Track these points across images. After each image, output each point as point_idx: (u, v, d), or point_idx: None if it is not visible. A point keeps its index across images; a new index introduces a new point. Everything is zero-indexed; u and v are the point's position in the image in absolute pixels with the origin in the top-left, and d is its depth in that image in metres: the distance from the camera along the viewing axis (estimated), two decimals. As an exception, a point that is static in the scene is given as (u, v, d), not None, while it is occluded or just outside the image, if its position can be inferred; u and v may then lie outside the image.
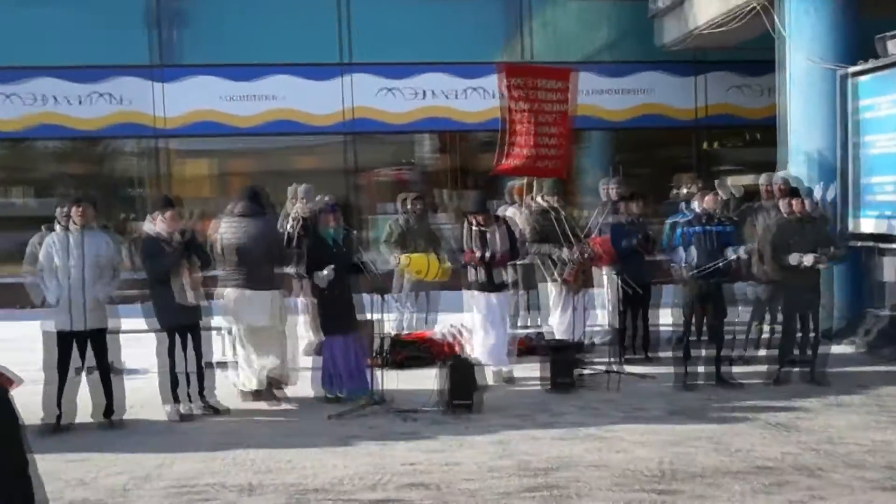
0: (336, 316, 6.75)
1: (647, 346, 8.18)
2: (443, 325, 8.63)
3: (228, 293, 6.78)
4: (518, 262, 9.16)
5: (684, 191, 9.04)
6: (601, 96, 13.73)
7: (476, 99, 13.31)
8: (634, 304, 8.00)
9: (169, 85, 13.11)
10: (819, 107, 9.02)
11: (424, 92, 13.51)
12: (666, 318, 8.37)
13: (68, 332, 6.21)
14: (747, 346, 8.00)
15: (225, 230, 6.83)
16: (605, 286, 8.36)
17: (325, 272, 6.56)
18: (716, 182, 9.00)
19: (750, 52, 12.20)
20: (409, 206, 9.18)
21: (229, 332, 7.64)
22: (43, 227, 6.45)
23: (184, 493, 4.80)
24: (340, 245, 6.85)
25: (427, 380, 6.89)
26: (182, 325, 6.45)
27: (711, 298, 6.98)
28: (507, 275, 7.44)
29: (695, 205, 7.18)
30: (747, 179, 11.01)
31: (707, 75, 13.97)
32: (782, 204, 7.32)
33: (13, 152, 13.82)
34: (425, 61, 13.47)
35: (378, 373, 6.67)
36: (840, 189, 8.68)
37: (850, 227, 8.60)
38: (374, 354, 7.20)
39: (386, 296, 6.92)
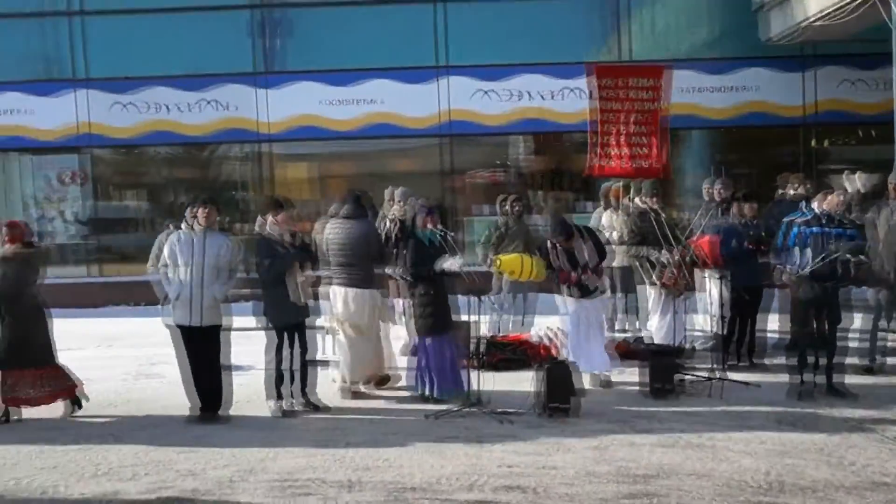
0: (432, 317, 6.80)
1: (752, 353, 7.88)
2: (539, 328, 8.59)
3: (330, 291, 7.01)
4: (614, 265, 9.10)
5: (791, 191, 8.61)
6: (703, 94, 13.35)
7: (573, 99, 13.14)
8: (743, 308, 7.72)
9: (272, 91, 13.53)
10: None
11: (520, 93, 13.47)
12: (772, 323, 8.06)
13: (186, 326, 6.51)
14: (874, 355, 7.58)
15: (329, 231, 7.14)
16: (708, 290, 8.09)
17: (455, 260, 6.61)
18: (844, 175, 8.48)
19: (863, 45, 11.62)
20: (507, 208, 9.20)
21: (327, 332, 7.95)
22: (170, 226, 6.74)
23: (286, 487, 4.94)
24: (437, 247, 6.89)
25: (523, 382, 6.87)
26: (291, 324, 6.65)
27: (825, 303, 6.64)
28: (602, 281, 7.28)
29: (814, 205, 6.85)
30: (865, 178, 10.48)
31: (816, 70, 13.33)
32: None
33: (128, 158, 14.56)
34: (521, 62, 13.42)
35: (474, 374, 6.69)
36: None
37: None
38: (471, 356, 7.23)
39: (482, 297, 6.93)
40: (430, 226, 6.91)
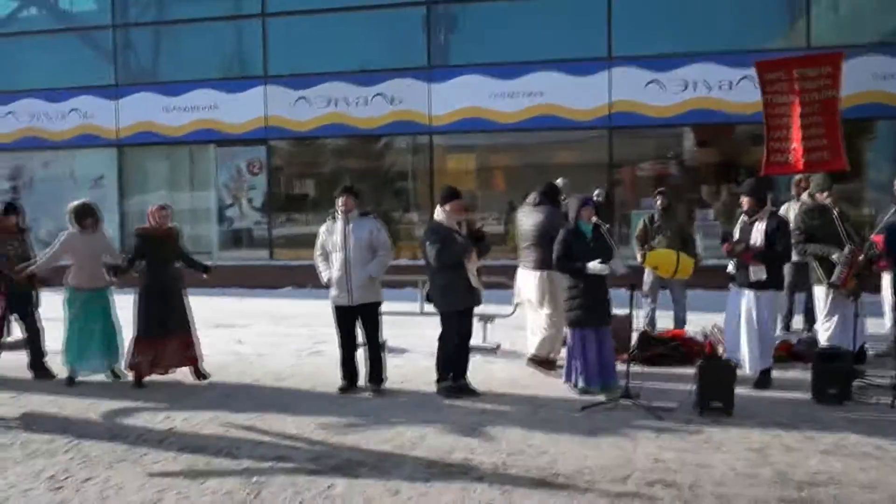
0: (581, 308, 6.78)
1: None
2: (701, 325, 8.36)
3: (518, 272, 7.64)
4: (791, 262, 8.66)
5: None
6: (891, 81, 12.35)
7: (746, 89, 12.56)
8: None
9: (438, 85, 13.93)
10: None
11: (687, 83, 13.04)
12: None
13: (344, 307, 6.96)
14: None
15: (518, 216, 7.73)
16: (886, 290, 7.52)
17: (598, 264, 6.62)
18: None
19: None
20: (657, 202, 9.11)
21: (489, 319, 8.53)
22: (329, 216, 7.19)
23: (439, 466, 5.14)
24: (593, 239, 6.85)
25: (680, 379, 6.71)
26: (465, 309, 6.92)
27: None
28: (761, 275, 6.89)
29: None
30: None
31: None
32: None
33: (305, 150, 15.48)
34: (692, 51, 12.99)
35: (630, 368, 6.62)
36: None
37: None
38: (630, 350, 7.17)
39: (635, 291, 6.85)
40: (587, 218, 6.88)
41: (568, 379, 6.94)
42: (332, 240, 7.00)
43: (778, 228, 6.81)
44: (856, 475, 4.87)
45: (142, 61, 15.73)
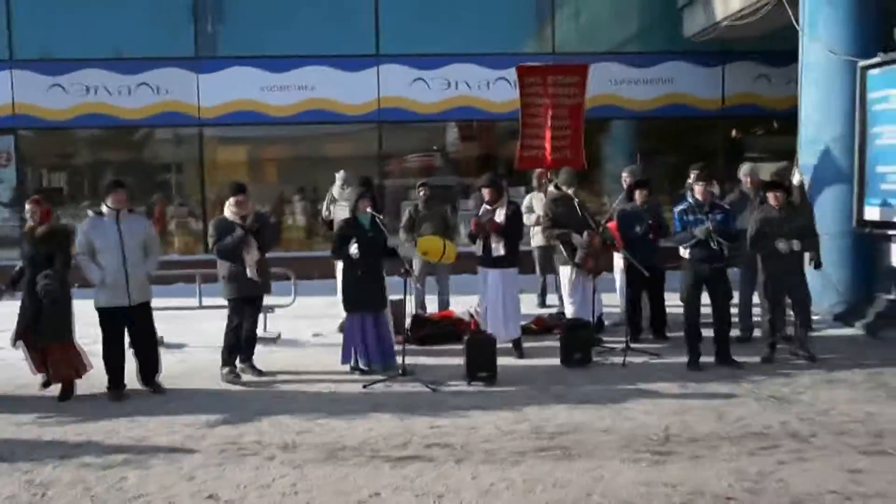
0: (357, 293, 7.28)
1: (659, 328, 8.56)
2: (464, 306, 9.15)
3: None
4: (536, 246, 9.83)
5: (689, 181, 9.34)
6: (626, 86, 14.09)
7: (503, 89, 13.68)
8: (645, 286, 8.37)
9: (207, 76, 13.69)
10: (833, 97, 9.31)
11: (450, 82, 13.94)
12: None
13: (119, 307, 6.73)
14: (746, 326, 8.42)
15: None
16: (618, 270, 8.77)
17: (353, 249, 7.11)
18: (742, 166, 9.13)
19: (774, 43, 12.45)
20: (420, 193, 9.77)
21: (270, 310, 8.57)
22: (90, 212, 7.01)
23: (232, 449, 5.37)
24: (369, 229, 7.35)
25: (451, 354, 7.41)
26: (247, 297, 7.24)
27: (712, 281, 7.28)
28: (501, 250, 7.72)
29: (689, 194, 7.59)
30: (768, 168, 11.35)
31: (732, 65, 14.21)
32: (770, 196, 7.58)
33: (60, 140, 14.44)
34: (454, 52, 13.87)
35: (406, 348, 7.21)
36: (857, 177, 8.93)
37: (863, 216, 8.88)
38: (405, 331, 7.79)
39: (408, 277, 7.48)
40: (363, 209, 7.36)
41: (346, 360, 7.38)
42: (104, 238, 6.63)
43: (514, 214, 7.77)
44: (594, 423, 5.78)
45: None
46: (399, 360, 7.20)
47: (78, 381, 6.85)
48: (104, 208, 6.74)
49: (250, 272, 7.08)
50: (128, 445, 5.50)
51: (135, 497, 4.61)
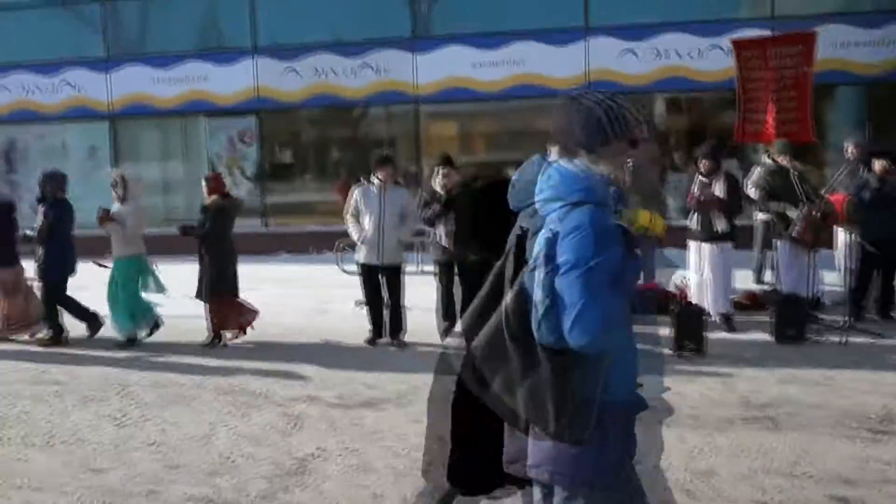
0: None
1: (888, 306, 8.11)
2: (670, 277, 9.15)
3: None
4: (763, 221, 9.52)
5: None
6: (853, 49, 13.15)
7: (716, 57, 13.27)
8: (876, 262, 7.94)
9: (423, 55, 14.49)
10: None
11: (664, 52, 13.73)
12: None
13: (372, 265, 7.66)
14: None
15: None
16: (841, 244, 8.38)
17: None
18: None
19: None
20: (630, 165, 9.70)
21: None
22: (362, 182, 7.88)
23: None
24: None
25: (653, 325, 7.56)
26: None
27: None
28: (723, 225, 7.69)
29: None
30: None
31: None
32: None
33: (294, 120, 15.94)
34: (665, 21, 13.63)
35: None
36: None
37: None
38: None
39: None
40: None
41: None
42: (368, 204, 7.62)
43: (732, 187, 7.67)
44: (806, 399, 5.73)
45: (131, 34, 16.05)
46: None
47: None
48: (374, 179, 7.64)
49: (446, 241, 7.62)
50: (363, 391, 6.22)
51: (371, 432, 5.28)
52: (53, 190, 8.15)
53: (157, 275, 8.14)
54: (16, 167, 16.34)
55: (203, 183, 8.08)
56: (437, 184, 7.70)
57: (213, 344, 7.89)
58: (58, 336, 8.19)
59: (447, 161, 7.78)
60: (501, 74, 14.23)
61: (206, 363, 7.20)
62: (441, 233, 7.59)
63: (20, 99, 16.13)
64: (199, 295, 7.88)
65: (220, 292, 7.81)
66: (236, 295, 7.98)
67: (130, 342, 8.00)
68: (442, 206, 7.51)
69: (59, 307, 8.22)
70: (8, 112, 16.23)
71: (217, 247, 7.85)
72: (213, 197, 7.95)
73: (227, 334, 7.99)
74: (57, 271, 8.09)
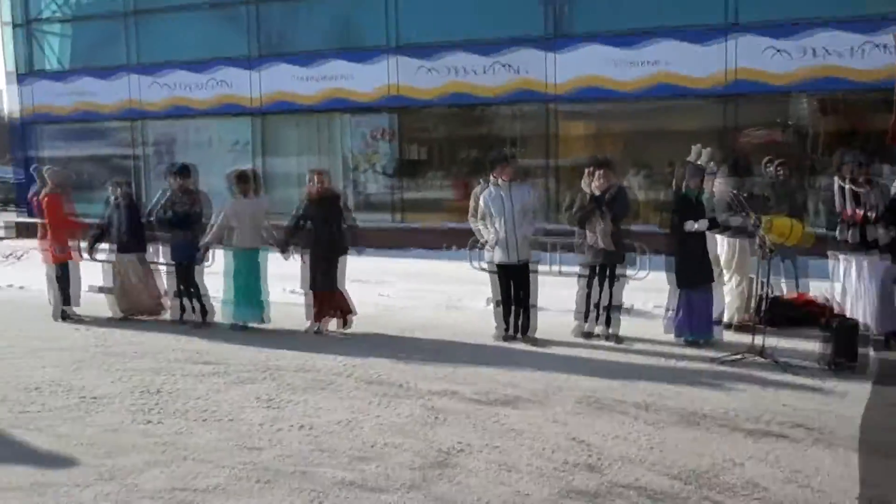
0: (683, 268, 7.45)
1: None
2: (821, 289, 8.67)
3: None
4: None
5: None
6: None
7: (871, 55, 12.50)
8: None
9: (558, 54, 14.36)
10: None
11: (806, 50, 13.02)
12: None
13: (507, 265, 7.70)
14: None
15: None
16: None
17: (697, 224, 7.27)
18: None
19: None
20: (771, 170, 9.13)
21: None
22: (481, 181, 7.93)
23: (590, 403, 5.85)
24: (696, 204, 7.47)
25: (806, 340, 7.20)
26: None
27: None
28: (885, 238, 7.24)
29: None
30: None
31: None
32: None
33: (429, 118, 16.20)
34: (815, 17, 12.95)
35: (758, 328, 7.12)
36: None
37: None
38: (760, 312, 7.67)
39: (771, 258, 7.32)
40: (692, 186, 7.44)
41: (668, 331, 7.61)
42: (494, 204, 7.64)
43: (886, 196, 7.26)
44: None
45: (275, 34, 16.76)
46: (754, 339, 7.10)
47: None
48: (497, 179, 7.68)
49: (602, 241, 7.49)
50: (501, 388, 6.24)
51: (512, 430, 5.28)
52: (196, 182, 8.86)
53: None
54: (170, 159, 17.40)
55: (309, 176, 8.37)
56: (590, 184, 7.60)
57: (314, 332, 8.27)
58: (203, 317, 8.78)
59: (604, 163, 7.68)
60: (639, 74, 13.94)
61: (344, 352, 7.42)
62: (597, 234, 7.52)
63: (175, 96, 17.19)
64: (312, 285, 8.23)
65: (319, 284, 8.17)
66: (334, 289, 8.23)
67: (242, 328, 8.48)
68: (597, 207, 7.47)
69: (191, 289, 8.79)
70: (165, 108, 17.33)
71: (314, 239, 8.16)
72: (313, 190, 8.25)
73: (329, 325, 8.35)
74: (195, 255, 8.67)
